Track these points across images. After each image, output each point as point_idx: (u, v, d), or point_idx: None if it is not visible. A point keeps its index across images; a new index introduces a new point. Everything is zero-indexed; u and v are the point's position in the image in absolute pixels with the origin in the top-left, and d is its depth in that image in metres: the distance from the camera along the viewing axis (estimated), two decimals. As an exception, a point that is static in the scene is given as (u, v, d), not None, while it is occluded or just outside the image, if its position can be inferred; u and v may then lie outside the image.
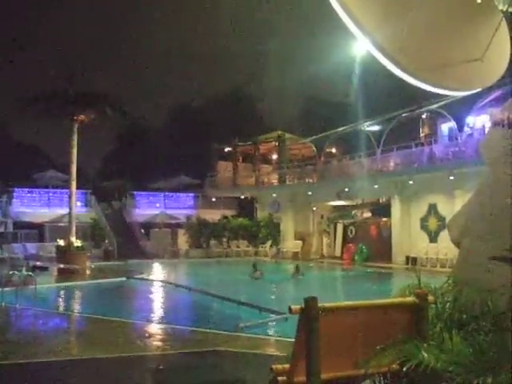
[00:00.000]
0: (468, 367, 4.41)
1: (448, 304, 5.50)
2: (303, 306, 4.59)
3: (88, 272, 29.20)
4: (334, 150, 46.09)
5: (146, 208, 48.60)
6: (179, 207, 49.80)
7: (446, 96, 19.42)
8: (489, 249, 6.06)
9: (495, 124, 6.66)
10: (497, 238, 6.08)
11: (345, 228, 39.46)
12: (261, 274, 26.55)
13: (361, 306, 5.16)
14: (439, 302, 5.47)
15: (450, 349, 4.70)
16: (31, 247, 39.76)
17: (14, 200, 43.46)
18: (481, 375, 4.24)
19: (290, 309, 4.67)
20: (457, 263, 6.73)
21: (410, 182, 32.53)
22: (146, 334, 13.23)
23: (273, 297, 21.51)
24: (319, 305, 4.60)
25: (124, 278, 26.69)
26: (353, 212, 41.13)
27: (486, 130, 24.51)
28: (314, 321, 4.54)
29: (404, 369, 4.54)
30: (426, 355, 4.51)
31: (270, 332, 13.66)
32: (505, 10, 7.34)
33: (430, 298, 5.26)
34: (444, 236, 26.56)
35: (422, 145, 34.42)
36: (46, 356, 10.53)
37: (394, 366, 4.77)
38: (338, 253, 39.52)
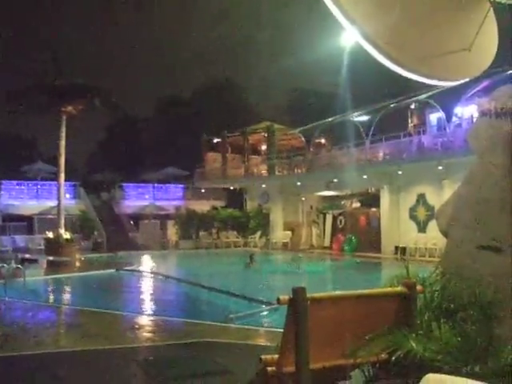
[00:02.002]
0: (456, 356, 4.45)
1: (436, 293, 5.53)
2: (291, 296, 4.60)
3: (77, 264, 29.11)
4: (323, 141, 46.03)
5: (135, 199, 48.54)
6: (168, 198, 49.74)
7: (435, 86, 19.45)
8: (476, 238, 6.09)
9: (483, 114, 6.68)
10: (484, 228, 6.11)
11: (334, 218, 39.53)
12: (255, 265, 26.98)
13: (349, 296, 5.18)
14: (427, 291, 5.50)
15: (439, 338, 4.74)
16: (20, 240, 39.67)
17: (2, 192, 43.22)
18: (469, 363, 4.28)
19: (278, 299, 4.68)
20: (445, 253, 6.76)
21: (399, 173, 32.58)
22: (136, 326, 13.24)
23: (264, 287, 21.53)
24: (308, 295, 4.61)
25: (113, 270, 26.63)
26: (342, 202, 41.16)
27: (474, 120, 24.60)
28: (303, 311, 4.55)
29: (393, 358, 4.58)
30: (414, 344, 4.54)
31: (260, 322, 13.69)
32: (492, 0, 7.36)
33: (419, 287, 5.29)
34: (433, 226, 26.60)
35: (411, 135, 34.48)
36: (36, 348, 10.52)
37: (382, 355, 4.80)
38: (327, 243, 39.61)
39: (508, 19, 7.99)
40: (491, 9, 7.53)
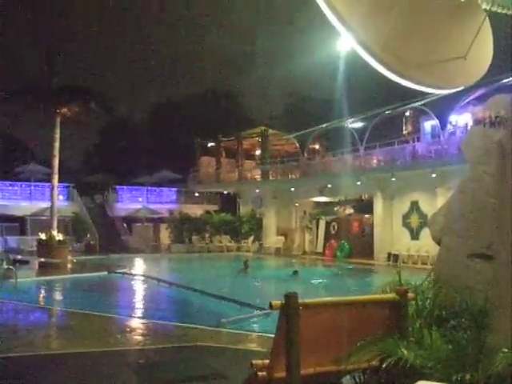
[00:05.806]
0: (447, 363, 4.45)
1: (428, 301, 5.54)
2: (283, 301, 4.59)
3: (69, 266, 29.03)
4: (317, 147, 46.13)
5: (129, 202, 48.48)
6: (162, 202, 49.74)
7: (430, 94, 19.49)
8: (468, 246, 6.10)
9: (477, 122, 6.70)
10: (476, 236, 6.12)
11: (327, 224, 39.53)
12: (249, 270, 27.39)
13: (341, 302, 5.18)
14: (419, 298, 5.51)
15: (430, 345, 4.74)
16: (12, 240, 39.49)
17: (-5, 193, 43.17)
18: (459, 371, 4.28)
19: (270, 304, 4.67)
20: (437, 260, 6.77)
21: (393, 180, 32.61)
22: (128, 329, 13.20)
23: (257, 292, 21.48)
24: (299, 301, 4.61)
25: (106, 273, 26.55)
26: (335, 208, 41.19)
27: (469, 129, 24.64)
28: (294, 316, 4.55)
29: (384, 365, 4.57)
30: (405, 352, 4.54)
31: (252, 327, 13.66)
32: (488, 8, 7.38)
33: (410, 294, 5.29)
34: (425, 233, 26.65)
35: (405, 142, 34.56)
36: (26, 350, 10.47)
37: (373, 362, 4.80)
38: (320, 249, 39.59)
39: (503, 28, 8.02)
40: (487, 17, 7.55)
